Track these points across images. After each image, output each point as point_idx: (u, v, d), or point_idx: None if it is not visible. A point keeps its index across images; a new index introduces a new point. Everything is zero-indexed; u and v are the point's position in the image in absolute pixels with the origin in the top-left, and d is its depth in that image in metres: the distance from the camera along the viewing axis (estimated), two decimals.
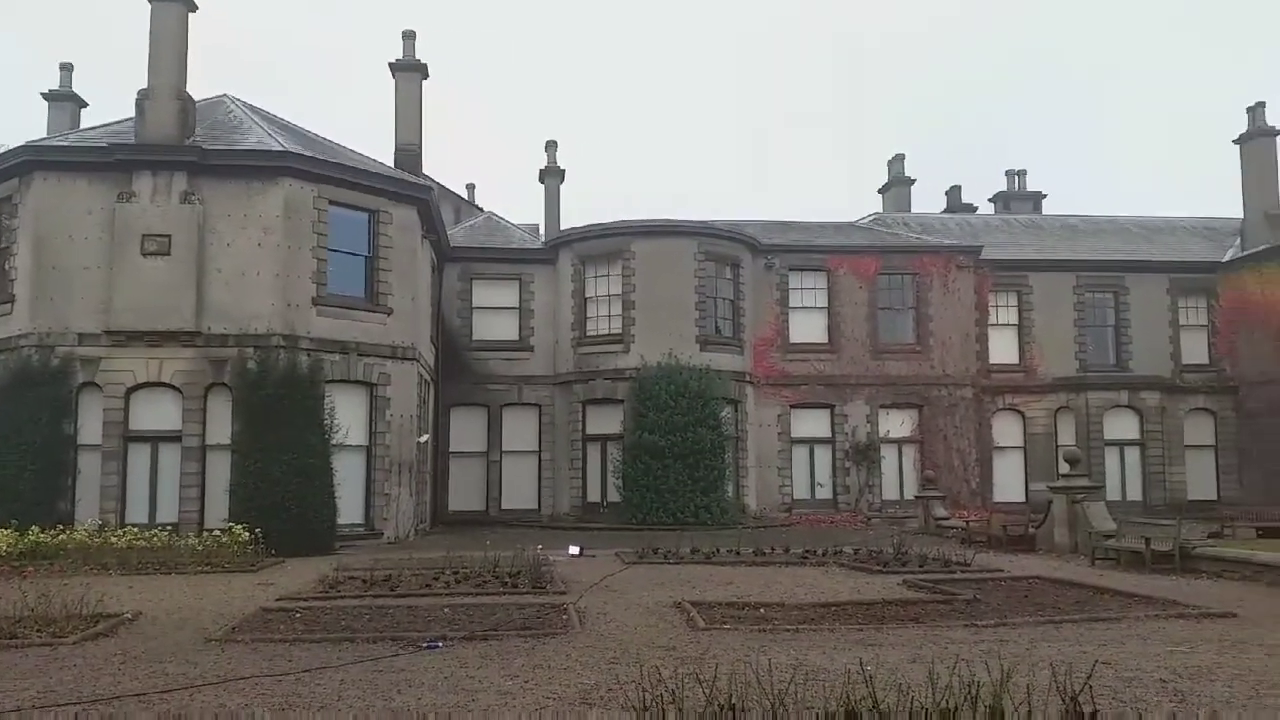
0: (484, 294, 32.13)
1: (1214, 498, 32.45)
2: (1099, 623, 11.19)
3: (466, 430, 31.49)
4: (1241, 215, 34.92)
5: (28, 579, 15.11)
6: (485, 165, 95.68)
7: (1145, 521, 19.76)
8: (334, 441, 22.02)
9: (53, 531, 18.91)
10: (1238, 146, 34.61)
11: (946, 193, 43.39)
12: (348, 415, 22.84)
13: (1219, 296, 34.05)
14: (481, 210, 38.89)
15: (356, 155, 25.85)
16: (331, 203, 23.31)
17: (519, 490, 31.41)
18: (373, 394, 23.90)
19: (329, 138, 26.77)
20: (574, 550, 19.67)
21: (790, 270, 32.69)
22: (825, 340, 32.58)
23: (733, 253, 31.47)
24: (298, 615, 11.91)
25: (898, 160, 42.40)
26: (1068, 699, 6.30)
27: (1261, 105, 33.99)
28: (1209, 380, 33.76)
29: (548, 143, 35.30)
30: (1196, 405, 33.53)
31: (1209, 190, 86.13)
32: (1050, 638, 10.22)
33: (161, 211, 21.94)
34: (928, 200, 68.91)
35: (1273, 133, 33.72)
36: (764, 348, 32.12)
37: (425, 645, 9.87)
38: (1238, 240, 34.85)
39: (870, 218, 38.21)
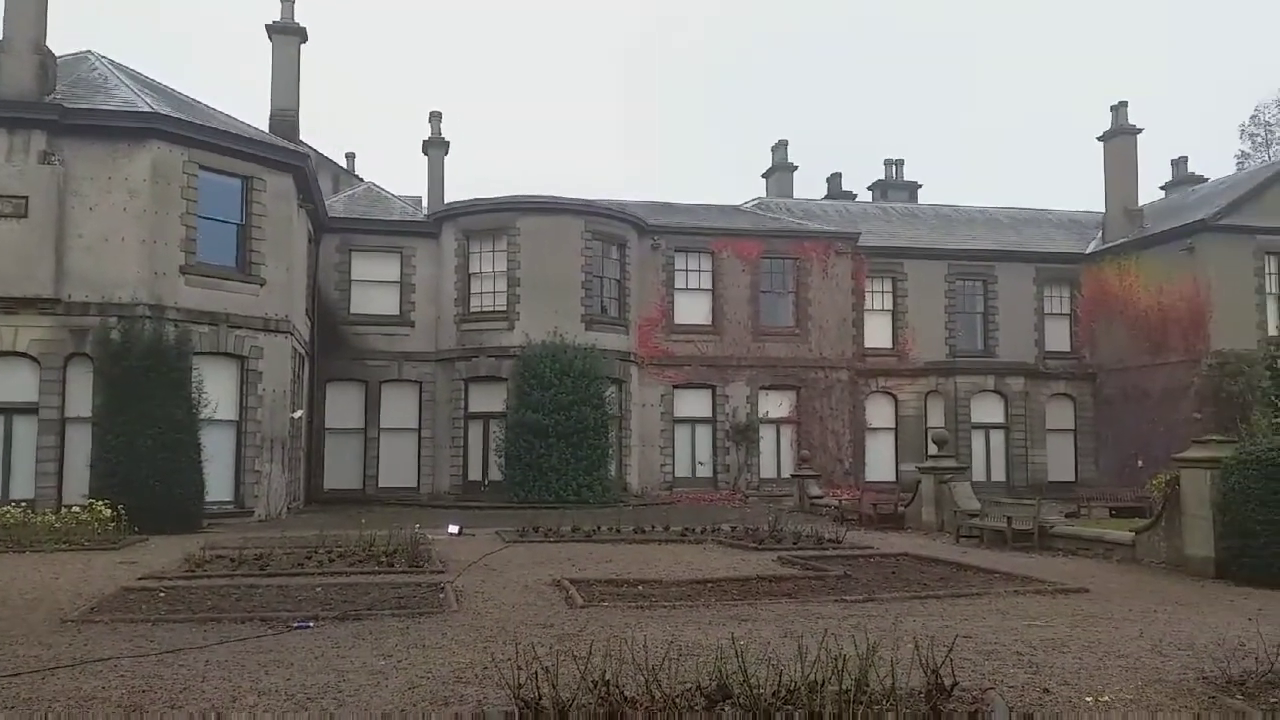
0: (363, 267, 31.39)
1: (1072, 479, 34.13)
2: (961, 598, 11.65)
3: (343, 406, 30.79)
4: (1103, 209, 36.65)
5: None
6: (366, 135, 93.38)
7: (1007, 501, 20.67)
8: (202, 416, 21.24)
9: None
10: (1101, 144, 36.26)
11: (827, 180, 44.30)
12: (217, 389, 22.05)
13: (1081, 287, 35.71)
14: (361, 180, 37.97)
15: (230, 119, 24.87)
16: (202, 168, 22.41)
17: (397, 468, 30.90)
18: (244, 367, 23.13)
19: (202, 100, 25.68)
20: (453, 529, 19.47)
21: (676, 251, 32.92)
22: (709, 322, 32.95)
23: (619, 232, 31.50)
24: (161, 595, 11.48)
25: (781, 146, 43.05)
26: (929, 672, 6.54)
27: (1124, 104, 35.66)
28: (1069, 367, 35.42)
29: (432, 114, 34.59)
30: (1058, 391, 35.15)
31: (1075, 185, 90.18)
32: (915, 612, 10.59)
33: (18, 171, 20.72)
34: (809, 186, 70.21)
35: (1133, 131, 35.43)
36: (649, 328, 32.30)
37: (296, 625, 9.63)
38: (1099, 233, 36.58)
39: (754, 202, 38.75)
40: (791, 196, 41.09)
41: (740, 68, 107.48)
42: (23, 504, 19.49)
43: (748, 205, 37.85)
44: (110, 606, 10.68)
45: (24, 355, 20.78)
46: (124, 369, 20.39)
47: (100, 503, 18.76)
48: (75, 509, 18.82)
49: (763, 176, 43.93)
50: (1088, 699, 6.93)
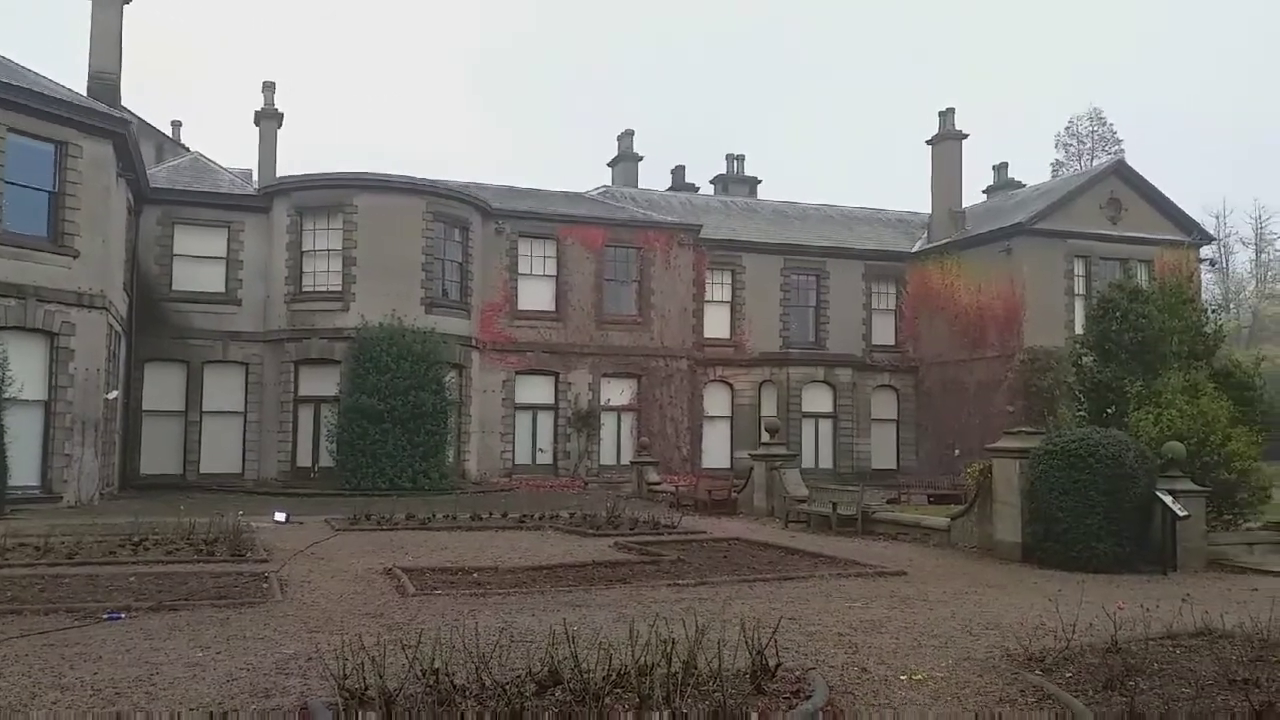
0: (187, 241, 29.78)
1: (894, 467, 35.72)
2: (788, 581, 12.05)
3: (163, 387, 29.18)
4: (929, 210, 38.42)
5: None
6: (195, 104, 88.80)
7: (834, 488, 21.48)
8: (6, 395, 19.74)
9: None
10: (930, 147, 37.98)
11: (672, 171, 44.80)
12: (23, 367, 20.51)
13: (906, 284, 37.36)
14: (188, 150, 36.02)
15: (43, 79, 23.12)
16: (11, 130, 20.78)
17: (221, 453, 29.54)
18: (54, 344, 21.62)
19: (10, 58, 23.78)
20: (280, 516, 18.77)
21: (520, 237, 32.64)
22: (553, 308, 32.85)
23: (463, 215, 30.99)
24: None
25: (627, 136, 43.27)
26: (755, 653, 6.74)
27: (951, 110, 37.41)
28: (894, 360, 37.03)
29: (265, 83, 32.96)
30: (883, 383, 36.69)
31: (905, 186, 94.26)
32: (744, 595, 10.88)
33: None
34: (654, 177, 70.93)
35: (959, 136, 37.24)
36: (491, 313, 31.95)
37: (106, 616, 9.11)
38: (925, 233, 38.36)
39: (599, 190, 38.83)
40: (637, 186, 41.36)
41: (585, 55, 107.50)
42: None
43: (593, 193, 37.90)
44: None
45: None
46: None
47: None
48: None
49: (608, 165, 44.06)
50: (902, 677, 7.28)
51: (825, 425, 35.01)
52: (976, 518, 15.75)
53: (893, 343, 37.29)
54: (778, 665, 6.80)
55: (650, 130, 64.91)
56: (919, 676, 7.29)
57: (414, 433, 27.47)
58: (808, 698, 6.38)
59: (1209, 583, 12.58)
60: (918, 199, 41.89)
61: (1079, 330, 31.56)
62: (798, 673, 7.01)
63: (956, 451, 31.97)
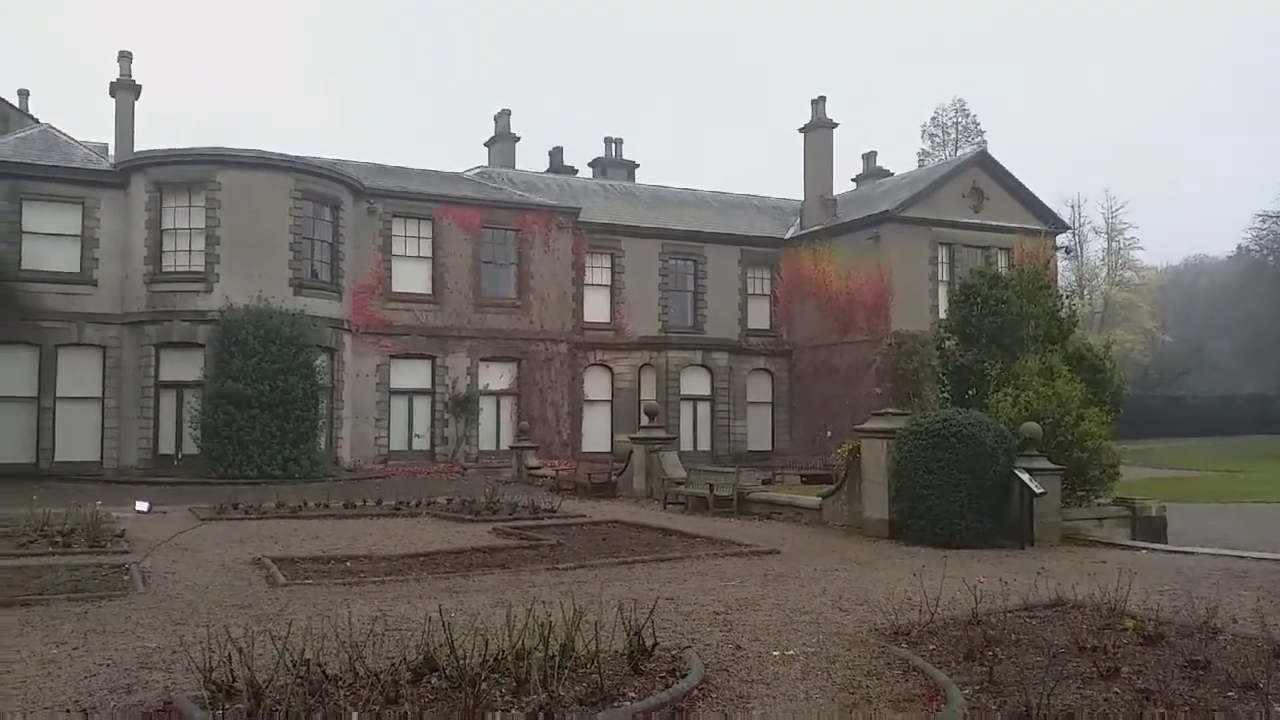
0: (37, 218, 28.19)
1: (769, 448, 36.47)
2: (665, 562, 12.20)
3: (11, 372, 27.62)
4: (802, 197, 39.24)
5: None
6: (46, 74, 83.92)
7: (710, 470, 21.78)
8: None
9: None
10: (802, 135, 38.73)
11: (550, 153, 44.56)
12: None
13: (780, 269, 38.12)
14: (37, 122, 34.00)
15: None
16: None
17: (77, 441, 28.13)
18: None
19: None
20: (141, 506, 18.01)
21: (394, 217, 31.99)
22: (429, 291, 32.33)
23: (333, 193, 30.18)
24: None
25: (504, 115, 42.81)
26: (632, 634, 6.82)
27: (823, 99, 38.22)
28: (769, 344, 37.77)
29: (121, 53, 31.30)
30: (758, 366, 37.39)
31: (778, 173, 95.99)
32: (623, 577, 10.97)
33: None
34: (531, 159, 70.36)
35: (830, 125, 38.07)
36: (364, 295, 31.24)
37: None
38: (798, 220, 39.16)
39: (476, 170, 38.33)
40: (514, 168, 41.00)
41: (456, 28, 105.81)
42: None
43: (470, 173, 37.39)
44: None
45: None
46: None
47: None
48: None
49: (485, 145, 43.54)
50: (775, 653, 7.47)
51: (703, 408, 35.49)
52: (846, 497, 16.23)
53: (767, 327, 38.02)
54: (654, 645, 6.90)
55: (528, 111, 64.39)
56: (791, 652, 7.49)
57: (283, 419, 26.71)
58: (683, 676, 6.49)
59: (1063, 556, 13.26)
60: (792, 186, 42.80)
61: (943, 315, 32.72)
62: (674, 652, 7.11)
63: (828, 433, 32.83)
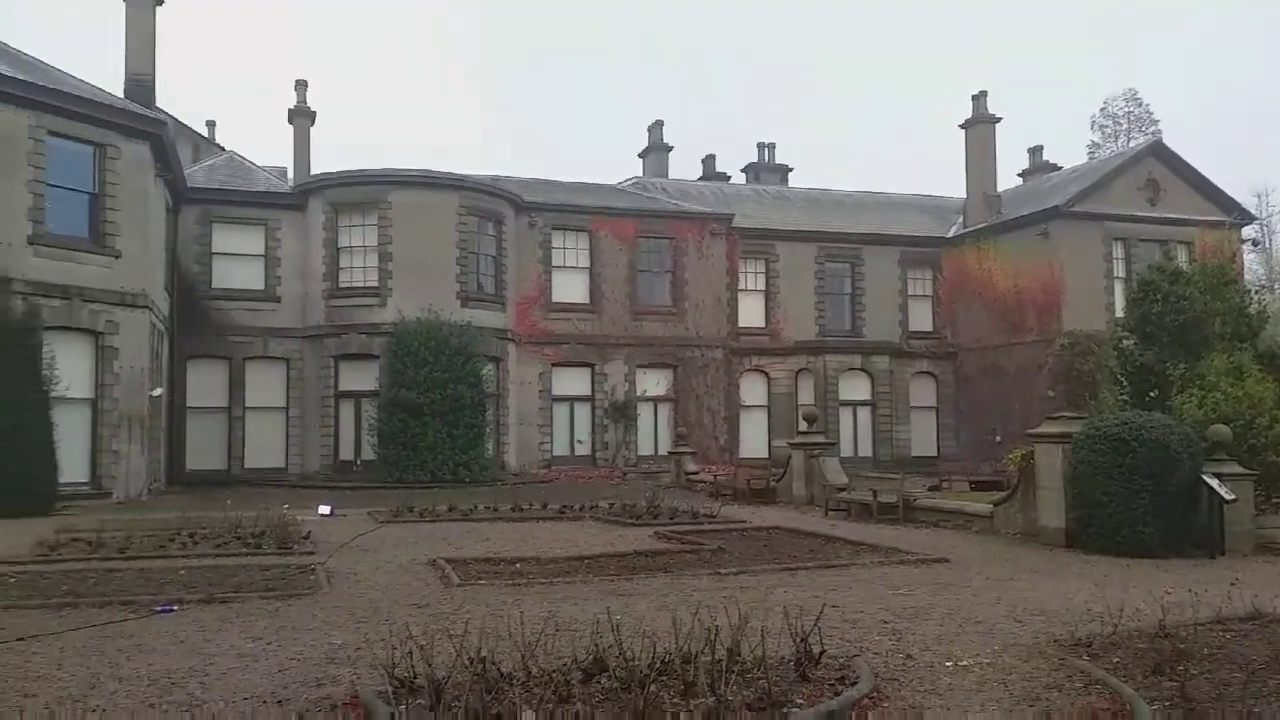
0: (225, 239, 30.15)
1: (934, 454, 35.47)
2: (829, 569, 12.02)
3: (206, 384, 29.61)
4: (964, 195, 38.07)
5: None
6: (228, 104, 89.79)
7: (873, 476, 21.38)
8: (54, 394, 20.14)
9: None
10: (963, 131, 37.59)
11: (702, 161, 44.72)
12: (70, 366, 20.92)
13: (942, 269, 37.06)
14: (223, 150, 36.42)
15: (81, 83, 23.50)
16: (51, 133, 21.16)
17: (265, 448, 29.91)
18: (99, 343, 22.02)
19: (47, 62, 24.17)
20: (324, 510, 19.01)
21: (554, 229, 32.75)
22: (587, 300, 32.94)
23: (496, 209, 31.14)
24: (12, 580, 10.90)
25: (657, 126, 43.24)
26: (799, 641, 6.74)
27: (984, 94, 37.02)
28: (932, 346, 36.77)
29: (297, 81, 33.32)
30: (921, 369, 36.45)
31: (938, 172, 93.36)
32: (786, 583, 10.87)
33: None
34: (684, 167, 70.74)
35: (992, 120, 36.83)
36: (526, 306, 32.09)
37: (159, 609, 9.28)
38: (960, 218, 38.01)
39: (630, 181, 38.84)
40: (667, 176, 41.35)
41: (608, 48, 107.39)
42: None
43: (625, 184, 37.92)
44: None
45: None
46: None
47: None
48: None
49: (639, 156, 44.07)
50: (948, 663, 7.25)
51: (863, 413, 34.85)
52: (1019, 504, 15.62)
53: (930, 329, 37.02)
54: (822, 652, 6.81)
55: (680, 121, 64.77)
56: (965, 663, 7.26)
57: (453, 425, 27.68)
58: (853, 684, 6.38)
59: (1258, 566, 12.40)
60: (952, 184, 41.58)
61: (1119, 313, 31.12)
62: (842, 660, 7.01)
63: (997, 437, 31.69)
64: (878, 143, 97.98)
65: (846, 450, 32.10)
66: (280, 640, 8.07)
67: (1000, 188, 37.47)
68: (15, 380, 19.30)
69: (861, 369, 34.84)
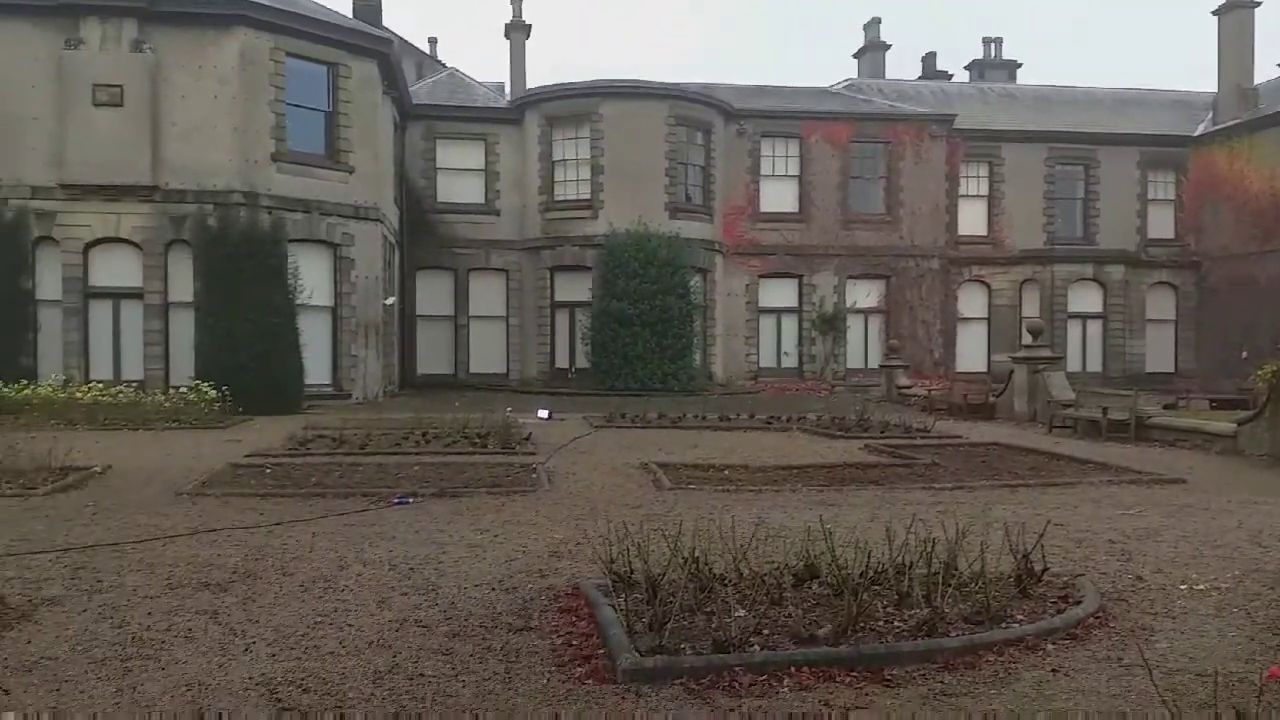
0: (448, 154, 31.33)
1: (1171, 370, 33.16)
2: (1053, 487, 11.53)
3: (433, 294, 31.22)
4: (1214, 89, 34.60)
5: None
6: (447, 20, 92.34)
7: (1103, 392, 20.19)
8: (298, 301, 21.81)
9: (16, 386, 18.77)
10: (1216, 18, 34.02)
11: (922, 59, 42.65)
12: (311, 276, 22.56)
13: (1187, 171, 34.04)
14: (444, 66, 37.64)
15: (314, 5, 24.79)
16: (289, 54, 22.49)
17: (487, 354, 31.39)
18: (336, 254, 23.58)
19: None
20: (542, 414, 19.85)
21: (762, 137, 32.18)
22: (796, 209, 32.36)
23: (704, 117, 30.85)
24: (267, 471, 12.01)
25: (874, 24, 41.38)
26: (1019, 557, 6.52)
27: None
28: (1173, 255, 34.07)
29: None
30: (1159, 280, 33.90)
31: (1183, 63, 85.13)
32: (1005, 500, 10.52)
33: (112, 60, 21.06)
34: (903, 67, 67.61)
35: (1251, 4, 33.12)
36: (734, 216, 31.87)
37: (396, 501, 10.01)
38: (1209, 114, 34.62)
39: (844, 83, 37.47)
40: (884, 77, 39.64)
41: None
42: (134, 385, 20.46)
43: (837, 87, 36.64)
44: (221, 481, 11.22)
45: (127, 242, 21.47)
46: (222, 255, 20.99)
47: (205, 384, 19.56)
48: (183, 390, 19.67)
49: (854, 57, 42.43)
50: (1182, 586, 6.85)
51: (1093, 326, 32.88)
52: (1268, 423, 14.40)
53: (1171, 236, 34.27)
54: (1044, 570, 6.57)
55: (899, 17, 61.43)
56: (1201, 587, 6.83)
57: (662, 335, 28.09)
58: (1077, 603, 6.13)
59: None
60: (1200, 78, 37.68)
61: None
62: (1065, 578, 6.74)
63: (1244, 353, 29.21)
64: (1116, 35, 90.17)
65: (1074, 365, 30.45)
66: (506, 533, 8.55)
67: (1257, 79, 33.77)
68: (266, 289, 21.02)
69: (1093, 279, 32.75)
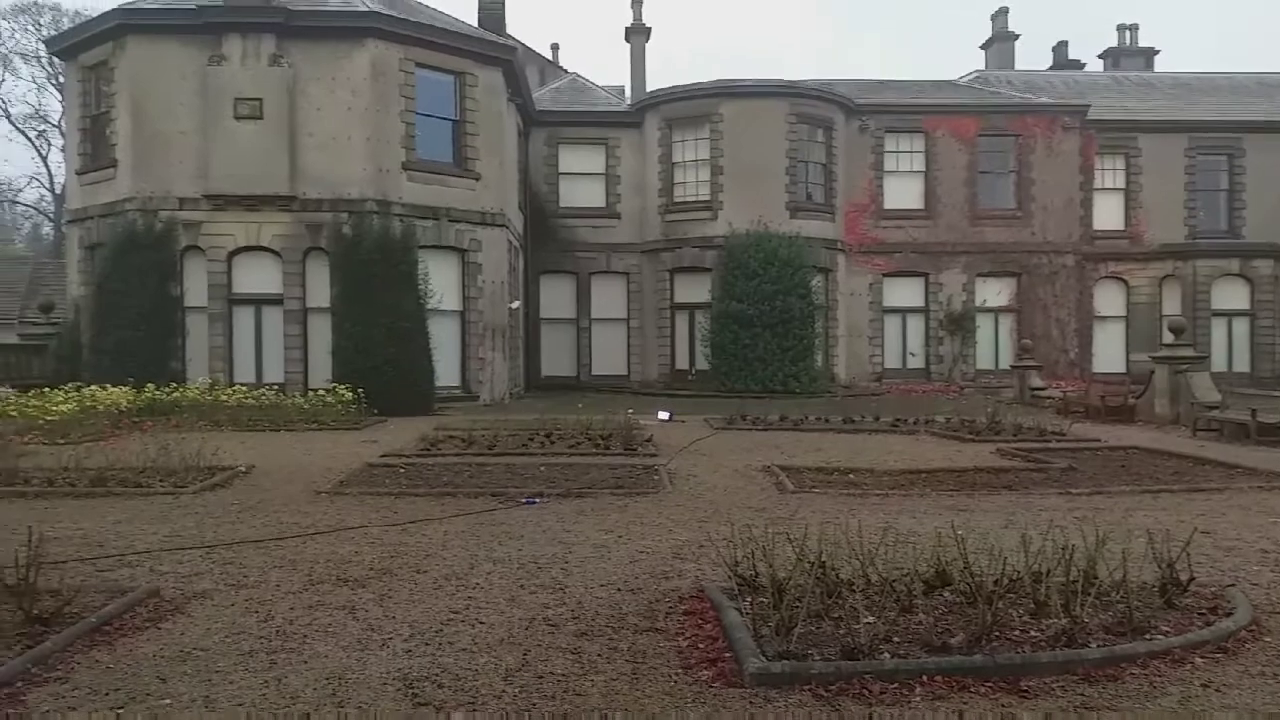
0: (570, 159, 31.75)
1: None
2: (1199, 493, 11.00)
3: (556, 297, 31.68)
4: None
5: (147, 433, 15.96)
6: (569, 25, 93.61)
7: (1253, 393, 19.17)
8: (429, 306, 22.44)
9: (167, 389, 19.85)
10: None
11: (1053, 49, 41.16)
12: (440, 281, 23.19)
13: None
14: (566, 72, 38.18)
15: (440, 15, 25.47)
16: (418, 65, 23.15)
17: (608, 357, 31.68)
18: (464, 260, 24.17)
19: None
20: (663, 415, 19.92)
21: (886, 132, 31.60)
22: (921, 206, 31.66)
23: (825, 114, 30.48)
24: (401, 471, 12.40)
25: (1001, 14, 40.15)
26: (1164, 566, 6.25)
27: None
28: None
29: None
30: None
31: None
32: (1147, 506, 10.08)
33: (252, 74, 22.06)
34: (1033, 57, 65.54)
35: None
36: (856, 214, 31.38)
37: (524, 501, 10.21)
38: None
39: (971, 76, 36.50)
40: (1013, 68, 38.44)
41: None
42: (274, 387, 21.39)
43: (964, 79, 35.71)
44: (357, 480, 11.64)
45: (268, 250, 22.46)
46: (356, 262, 21.75)
47: (342, 387, 20.32)
48: (320, 392, 20.47)
49: (981, 48, 41.25)
50: None
51: (1240, 324, 31.22)
52: None
53: None
54: (1190, 579, 6.27)
55: (1028, 6, 59.39)
56: None
57: (783, 337, 27.84)
58: (1228, 615, 5.85)
59: None
60: None
61: None
62: (1214, 589, 6.43)
63: None
64: (1261, 17, 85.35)
65: (1219, 365, 28.97)
66: (630, 534, 8.62)
67: None
68: (398, 295, 21.69)
69: (1239, 274, 31.08)
